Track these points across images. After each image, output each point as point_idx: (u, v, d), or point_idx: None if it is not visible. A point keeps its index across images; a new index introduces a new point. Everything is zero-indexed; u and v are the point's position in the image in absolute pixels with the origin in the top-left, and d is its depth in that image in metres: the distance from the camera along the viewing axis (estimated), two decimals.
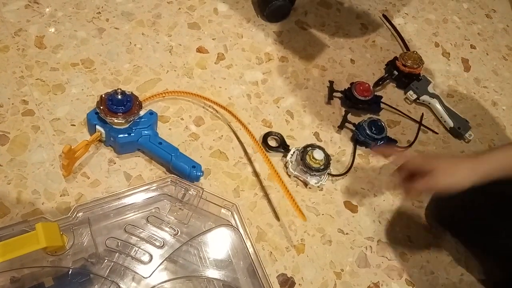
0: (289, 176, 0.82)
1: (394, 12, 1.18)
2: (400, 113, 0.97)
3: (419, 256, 0.80)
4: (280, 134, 0.85)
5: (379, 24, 1.13)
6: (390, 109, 0.97)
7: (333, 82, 0.96)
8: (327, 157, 0.81)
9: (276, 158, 0.83)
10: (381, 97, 0.95)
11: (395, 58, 1.01)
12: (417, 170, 0.65)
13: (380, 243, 0.79)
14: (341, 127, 0.90)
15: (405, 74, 0.99)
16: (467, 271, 0.80)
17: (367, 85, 0.93)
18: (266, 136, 0.84)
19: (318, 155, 0.79)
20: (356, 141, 0.89)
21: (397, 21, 1.15)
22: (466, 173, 0.62)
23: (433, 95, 0.98)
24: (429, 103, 0.99)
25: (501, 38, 1.23)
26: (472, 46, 1.18)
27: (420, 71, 1.00)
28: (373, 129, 0.86)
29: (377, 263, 0.77)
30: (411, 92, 0.99)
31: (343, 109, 0.93)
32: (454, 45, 1.16)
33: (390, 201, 0.84)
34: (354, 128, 0.89)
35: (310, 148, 0.81)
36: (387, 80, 1.00)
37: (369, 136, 0.86)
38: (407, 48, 1.08)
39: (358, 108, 0.93)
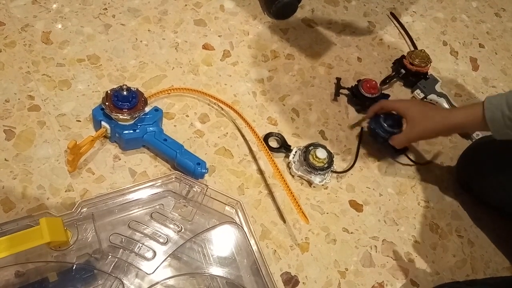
0: (293, 176, 0.81)
1: (402, 10, 1.17)
2: None
3: (425, 256, 0.79)
4: (281, 135, 0.84)
5: (387, 22, 1.12)
6: None
7: (340, 78, 0.95)
8: (330, 155, 0.80)
9: (278, 159, 0.83)
10: (388, 95, 0.95)
11: (403, 57, 1.00)
12: (391, 110, 0.82)
13: (385, 242, 0.79)
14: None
15: (413, 72, 0.98)
16: (473, 272, 0.80)
17: (374, 82, 0.92)
18: (267, 137, 0.83)
19: (321, 154, 0.79)
20: (361, 137, 0.88)
21: (405, 19, 1.14)
22: (432, 126, 0.76)
23: (440, 94, 0.97)
24: (437, 102, 0.98)
25: (510, 37, 1.22)
26: (481, 45, 1.17)
27: (427, 69, 0.99)
28: (389, 121, 0.83)
29: (382, 262, 0.77)
30: (418, 91, 0.98)
31: (349, 106, 0.92)
32: (462, 44, 1.15)
33: (395, 200, 0.84)
34: (368, 125, 0.87)
35: (312, 147, 0.80)
36: (394, 79, 0.99)
37: (387, 131, 0.83)
38: (415, 47, 1.07)
39: (364, 105, 0.92)
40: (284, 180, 0.73)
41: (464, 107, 0.75)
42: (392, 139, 0.81)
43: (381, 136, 0.83)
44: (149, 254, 0.64)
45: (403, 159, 0.89)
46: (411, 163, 0.89)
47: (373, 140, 0.88)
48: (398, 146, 0.81)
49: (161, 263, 0.64)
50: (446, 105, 0.96)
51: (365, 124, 0.91)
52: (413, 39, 1.08)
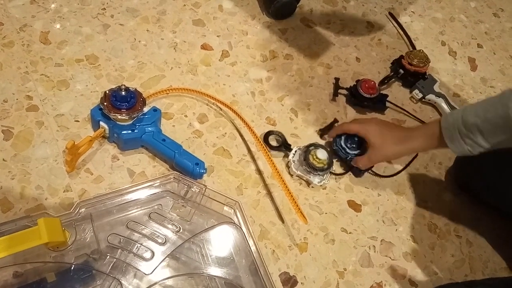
0: (291, 175, 0.81)
1: (401, 10, 1.17)
2: (406, 113, 0.96)
3: (423, 256, 0.79)
4: (281, 133, 0.84)
5: (385, 22, 1.12)
6: (396, 108, 0.96)
7: (339, 79, 0.95)
8: (330, 156, 0.80)
9: (277, 158, 0.83)
10: (387, 95, 0.95)
11: (401, 57, 1.00)
12: (351, 132, 0.81)
13: (384, 242, 0.79)
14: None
15: (411, 72, 0.98)
16: (471, 272, 0.80)
17: (372, 82, 0.92)
18: (267, 135, 0.83)
19: (322, 154, 0.78)
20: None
21: (403, 19, 1.14)
22: (393, 150, 0.76)
23: (439, 94, 0.97)
24: (435, 103, 0.98)
25: (508, 37, 1.22)
26: (479, 45, 1.17)
27: (426, 70, 0.99)
28: (349, 142, 0.82)
29: (380, 263, 0.77)
30: (416, 91, 0.98)
31: (347, 106, 0.93)
32: (461, 44, 1.15)
33: (394, 200, 0.84)
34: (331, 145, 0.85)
35: (312, 147, 0.80)
36: (393, 79, 1.00)
37: (349, 153, 0.82)
38: (413, 47, 1.07)
39: (363, 105, 0.93)
40: (283, 180, 0.74)
41: (422, 127, 0.75)
42: (356, 161, 0.80)
43: (343, 158, 0.83)
44: (147, 255, 0.64)
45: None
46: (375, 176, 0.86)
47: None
48: (362, 168, 0.81)
49: (160, 264, 0.64)
50: (444, 105, 0.96)
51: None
52: (412, 39, 1.08)
